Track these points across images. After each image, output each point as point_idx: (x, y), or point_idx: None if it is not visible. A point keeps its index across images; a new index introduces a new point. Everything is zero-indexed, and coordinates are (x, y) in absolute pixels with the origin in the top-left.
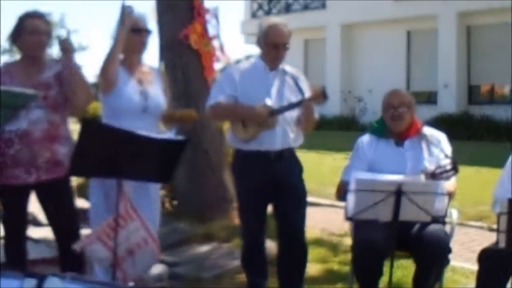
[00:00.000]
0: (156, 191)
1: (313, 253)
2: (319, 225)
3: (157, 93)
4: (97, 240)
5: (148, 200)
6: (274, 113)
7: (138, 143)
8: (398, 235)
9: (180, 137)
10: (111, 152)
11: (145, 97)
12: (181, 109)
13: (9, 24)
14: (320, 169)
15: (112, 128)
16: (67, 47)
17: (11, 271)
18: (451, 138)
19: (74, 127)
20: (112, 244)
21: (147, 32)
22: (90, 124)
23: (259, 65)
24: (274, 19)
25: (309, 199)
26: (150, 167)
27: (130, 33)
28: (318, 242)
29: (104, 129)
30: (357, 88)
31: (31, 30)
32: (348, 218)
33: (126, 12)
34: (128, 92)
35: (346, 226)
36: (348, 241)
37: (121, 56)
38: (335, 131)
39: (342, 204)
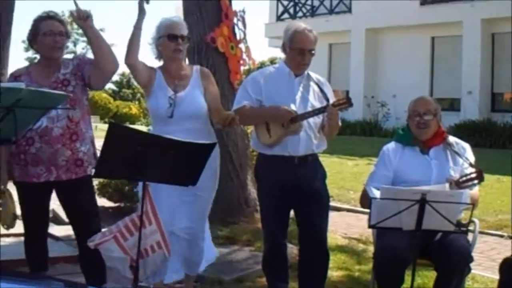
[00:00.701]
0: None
1: (334, 258)
2: (340, 230)
3: (190, 97)
4: (113, 240)
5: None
6: (298, 118)
7: (163, 146)
8: (420, 244)
9: (206, 141)
10: (137, 155)
11: (172, 103)
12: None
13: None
14: (342, 174)
15: (137, 131)
16: (81, 15)
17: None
18: (473, 145)
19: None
20: (126, 245)
21: (182, 38)
22: (117, 127)
23: (284, 70)
24: (301, 24)
25: (331, 204)
26: (176, 170)
27: (166, 39)
28: (340, 248)
29: (130, 132)
30: (380, 93)
31: (45, 32)
32: (372, 226)
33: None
34: (158, 98)
35: (368, 232)
36: (369, 247)
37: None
38: (357, 136)
39: (363, 209)
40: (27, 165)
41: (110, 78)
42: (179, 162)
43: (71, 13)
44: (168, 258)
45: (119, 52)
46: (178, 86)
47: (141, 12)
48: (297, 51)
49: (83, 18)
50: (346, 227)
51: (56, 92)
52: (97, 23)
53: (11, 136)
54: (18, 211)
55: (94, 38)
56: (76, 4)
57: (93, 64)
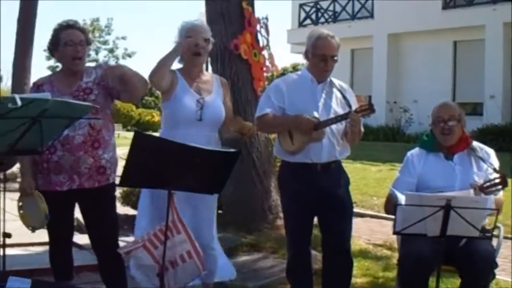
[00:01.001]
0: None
1: (358, 265)
2: (363, 236)
3: (216, 103)
4: (143, 248)
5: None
6: (321, 125)
7: (189, 155)
8: (445, 250)
9: (231, 149)
10: (162, 164)
11: (201, 106)
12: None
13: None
14: (366, 180)
15: (163, 140)
16: (113, 70)
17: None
18: (496, 149)
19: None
20: (157, 254)
21: (205, 41)
22: (142, 136)
23: (306, 77)
24: (323, 31)
25: (354, 210)
26: (201, 178)
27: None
28: (363, 254)
29: (155, 141)
30: (403, 98)
31: (66, 42)
32: (396, 232)
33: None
34: (185, 101)
35: (392, 238)
36: (393, 254)
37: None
38: (380, 141)
39: (386, 215)
40: (50, 174)
41: (138, 98)
42: (204, 171)
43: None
44: (201, 271)
45: (140, 60)
46: (202, 90)
47: (175, 52)
48: (320, 58)
49: (114, 71)
50: (370, 233)
51: (82, 103)
52: (119, 31)
53: (37, 146)
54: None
55: (129, 80)
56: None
57: (123, 85)
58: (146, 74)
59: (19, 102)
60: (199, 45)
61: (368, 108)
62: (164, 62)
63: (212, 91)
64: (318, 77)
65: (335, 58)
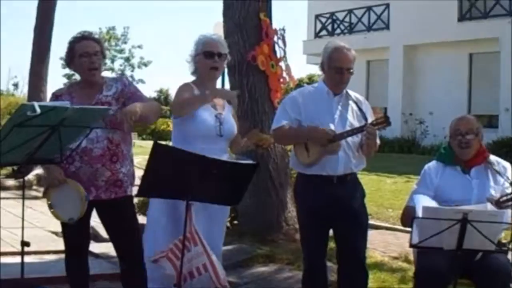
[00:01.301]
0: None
1: (373, 277)
2: (379, 249)
3: (230, 118)
4: (166, 258)
5: (215, 221)
6: (336, 138)
7: (208, 166)
8: (461, 263)
9: (249, 161)
10: (180, 174)
11: (220, 121)
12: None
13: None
14: (381, 192)
15: (182, 151)
16: (128, 116)
17: None
18: (511, 162)
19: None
20: (178, 264)
21: (219, 56)
22: (160, 147)
23: (322, 89)
24: (339, 43)
25: (369, 221)
26: (219, 189)
27: (202, 56)
28: (379, 266)
29: (174, 152)
30: (418, 110)
31: (81, 54)
32: (413, 245)
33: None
34: (205, 116)
35: (407, 250)
36: (409, 266)
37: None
38: (395, 153)
39: (401, 227)
40: None
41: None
42: (222, 182)
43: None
44: (216, 285)
45: (156, 69)
46: (217, 106)
47: (206, 99)
48: (336, 70)
49: (132, 118)
50: (385, 245)
51: (97, 107)
52: (135, 40)
53: (56, 156)
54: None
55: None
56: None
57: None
58: (161, 83)
59: (38, 110)
60: (216, 59)
61: (384, 121)
62: (193, 106)
63: (224, 106)
64: (334, 89)
65: (351, 70)
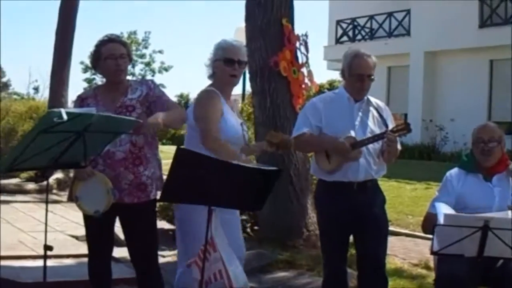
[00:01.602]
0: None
1: (393, 284)
2: (399, 255)
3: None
4: (195, 263)
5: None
6: (357, 145)
7: (231, 172)
8: (482, 271)
9: (272, 167)
10: (203, 180)
11: (243, 127)
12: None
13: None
14: (401, 198)
15: (205, 156)
16: (152, 126)
17: None
18: None
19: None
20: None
21: (239, 63)
22: (184, 152)
23: (343, 96)
24: (359, 50)
25: (389, 228)
26: (242, 195)
27: (222, 63)
28: (398, 273)
29: (197, 157)
30: (438, 117)
31: (107, 56)
32: (434, 253)
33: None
34: (233, 123)
35: (427, 257)
36: (429, 273)
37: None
38: (415, 160)
39: (421, 234)
40: None
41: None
42: (245, 188)
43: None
44: None
45: (177, 74)
46: (235, 112)
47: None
48: (356, 77)
49: (155, 129)
50: (405, 252)
51: (126, 117)
52: (156, 45)
53: (80, 160)
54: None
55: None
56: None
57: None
58: (181, 88)
59: (65, 117)
60: (235, 67)
61: (405, 128)
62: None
63: (237, 112)
64: (355, 96)
65: (372, 77)
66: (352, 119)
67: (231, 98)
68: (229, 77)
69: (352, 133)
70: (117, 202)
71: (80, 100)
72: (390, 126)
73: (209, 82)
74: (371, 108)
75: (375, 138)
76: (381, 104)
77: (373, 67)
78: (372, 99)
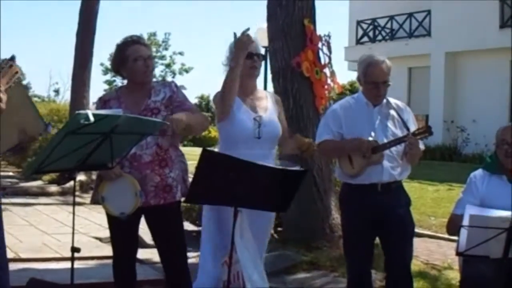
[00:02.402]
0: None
1: (417, 285)
2: (422, 257)
3: (273, 120)
4: (224, 263)
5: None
6: (379, 149)
7: (256, 173)
8: (507, 272)
9: (298, 168)
10: (229, 181)
11: (258, 124)
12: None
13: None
14: (423, 200)
15: (231, 157)
16: (177, 124)
17: None
18: None
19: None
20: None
21: (258, 56)
22: (209, 154)
23: (362, 101)
24: (373, 56)
25: None
26: (268, 196)
27: None
28: (422, 275)
29: (223, 159)
30: (460, 118)
31: (135, 58)
32: (460, 254)
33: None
34: (241, 119)
35: (450, 259)
36: (452, 274)
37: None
38: (437, 161)
39: (444, 235)
40: None
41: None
42: (271, 189)
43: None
44: None
45: (197, 76)
46: (257, 108)
47: (240, 48)
48: (372, 85)
49: (178, 127)
50: (428, 253)
51: (153, 119)
52: (176, 47)
53: (107, 162)
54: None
55: (190, 130)
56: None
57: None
58: (202, 89)
59: (92, 118)
60: (255, 59)
61: (426, 131)
62: (232, 81)
63: (268, 108)
64: (372, 101)
65: (387, 82)
66: (372, 123)
67: (257, 92)
68: (249, 69)
69: (373, 134)
70: (142, 205)
71: (103, 102)
72: (412, 127)
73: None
74: (391, 111)
75: (396, 141)
76: (401, 104)
77: (387, 72)
78: (392, 101)
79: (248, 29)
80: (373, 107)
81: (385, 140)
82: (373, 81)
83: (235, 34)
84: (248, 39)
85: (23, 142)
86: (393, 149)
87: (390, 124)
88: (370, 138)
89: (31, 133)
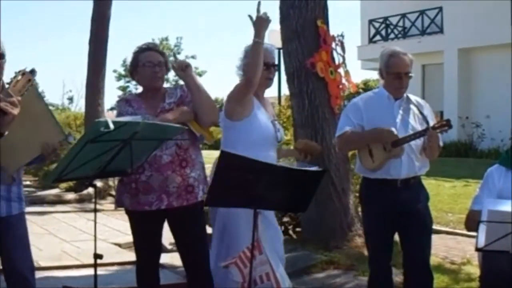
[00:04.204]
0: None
1: (436, 281)
2: (440, 253)
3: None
4: (234, 265)
5: (273, 230)
6: (399, 142)
7: (275, 174)
8: None
9: (316, 168)
10: (248, 183)
11: (275, 127)
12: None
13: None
14: (440, 196)
15: (249, 159)
16: (180, 65)
17: None
18: None
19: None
20: (245, 272)
21: (274, 67)
22: (228, 156)
23: (383, 95)
24: (395, 48)
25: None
26: (287, 197)
27: None
28: (441, 270)
29: (242, 160)
30: (474, 114)
31: (144, 63)
32: (479, 249)
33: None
34: (265, 121)
35: (469, 255)
36: (471, 270)
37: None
38: (453, 157)
39: (462, 231)
40: (138, 194)
41: (211, 126)
42: (290, 189)
43: (171, 64)
44: None
45: (210, 79)
46: (269, 113)
47: (262, 26)
48: (394, 76)
49: (182, 68)
50: (446, 249)
51: (172, 124)
52: (188, 50)
53: (126, 168)
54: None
55: (194, 89)
56: (174, 55)
57: (194, 108)
58: (216, 92)
59: (111, 126)
60: (271, 70)
61: (446, 124)
62: (257, 56)
63: (271, 113)
64: (394, 94)
65: (409, 74)
66: (393, 117)
67: (265, 99)
68: (265, 80)
69: (394, 131)
70: (166, 208)
71: (125, 101)
72: (431, 123)
73: None
74: (412, 106)
75: (416, 135)
76: (421, 101)
77: (410, 64)
78: (412, 97)
79: (259, 3)
80: (394, 101)
81: (406, 135)
82: (396, 71)
83: (250, 16)
84: (266, 15)
85: (46, 154)
86: (413, 143)
87: (410, 119)
88: (393, 132)
89: (53, 145)
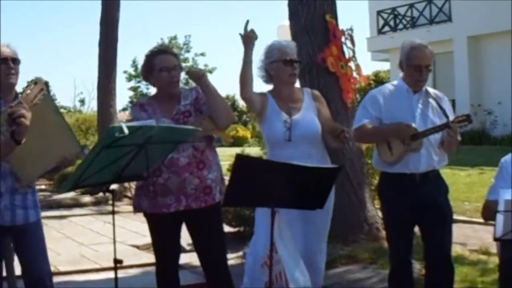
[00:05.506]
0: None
1: (456, 271)
2: (458, 242)
3: (306, 119)
4: (264, 264)
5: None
6: (418, 136)
7: (291, 172)
8: None
9: (332, 165)
10: (265, 184)
11: (289, 126)
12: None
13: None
14: (456, 185)
15: (264, 160)
16: (196, 74)
17: None
18: None
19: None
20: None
21: (297, 62)
22: (243, 159)
23: (402, 88)
24: (416, 41)
25: None
26: (303, 194)
27: (281, 64)
28: (460, 260)
29: (256, 163)
30: (486, 101)
31: (161, 68)
32: (497, 239)
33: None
34: (272, 123)
35: (487, 243)
36: (490, 259)
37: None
38: (466, 145)
39: (479, 220)
40: (157, 196)
41: (227, 128)
42: (306, 187)
43: (186, 72)
44: None
45: (220, 76)
46: (292, 109)
47: (249, 44)
48: (414, 68)
49: (198, 77)
50: (464, 239)
51: (186, 127)
52: (198, 48)
53: (143, 172)
54: None
55: (210, 95)
56: (194, 64)
57: (210, 112)
58: (227, 89)
59: (126, 131)
60: (295, 66)
61: (466, 119)
62: (243, 75)
63: (301, 108)
64: (413, 87)
65: (430, 67)
66: (412, 110)
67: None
68: (289, 77)
69: (413, 124)
70: (184, 209)
71: (139, 106)
72: (450, 116)
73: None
74: (430, 99)
75: (436, 129)
76: (440, 94)
77: (430, 57)
78: (431, 90)
79: (248, 21)
80: (413, 94)
81: (425, 128)
82: (416, 64)
83: (241, 34)
84: (253, 32)
85: (62, 166)
86: (431, 137)
87: (430, 112)
88: (412, 126)
89: (70, 157)
